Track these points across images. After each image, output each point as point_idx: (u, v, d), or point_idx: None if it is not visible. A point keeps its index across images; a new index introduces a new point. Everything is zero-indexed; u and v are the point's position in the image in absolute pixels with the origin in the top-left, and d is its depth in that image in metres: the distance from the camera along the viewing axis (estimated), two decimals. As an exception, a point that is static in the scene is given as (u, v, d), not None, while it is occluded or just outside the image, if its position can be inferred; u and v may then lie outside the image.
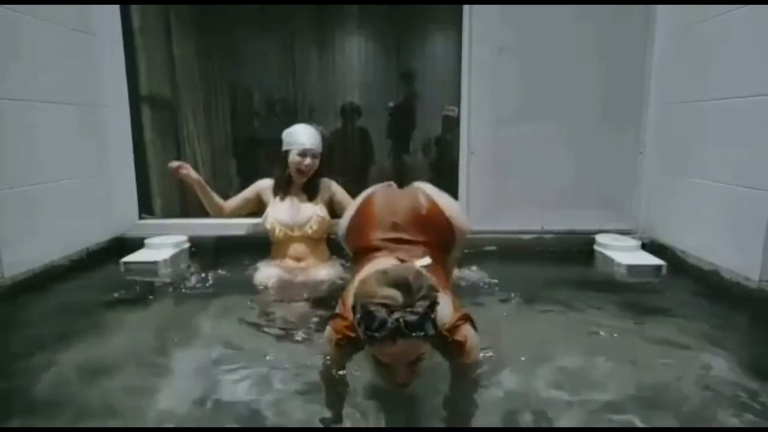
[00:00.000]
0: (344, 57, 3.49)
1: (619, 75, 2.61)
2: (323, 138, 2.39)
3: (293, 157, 2.31)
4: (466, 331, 1.28)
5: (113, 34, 2.67)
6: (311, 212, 2.35)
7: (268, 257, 2.42)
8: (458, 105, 2.74)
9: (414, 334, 1.05)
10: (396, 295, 1.06)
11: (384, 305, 1.05)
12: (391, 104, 3.40)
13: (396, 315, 1.04)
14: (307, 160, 2.31)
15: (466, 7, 2.61)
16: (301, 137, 2.31)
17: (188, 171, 2.34)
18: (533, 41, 2.60)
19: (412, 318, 1.04)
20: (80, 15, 2.49)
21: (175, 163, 2.35)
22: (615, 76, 2.61)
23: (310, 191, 2.40)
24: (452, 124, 2.91)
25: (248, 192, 2.47)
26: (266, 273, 2.26)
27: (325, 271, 2.26)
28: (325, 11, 3.33)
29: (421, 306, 1.06)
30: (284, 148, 2.34)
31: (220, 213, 2.44)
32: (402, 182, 2.01)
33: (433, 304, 1.09)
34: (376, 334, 1.05)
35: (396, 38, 3.45)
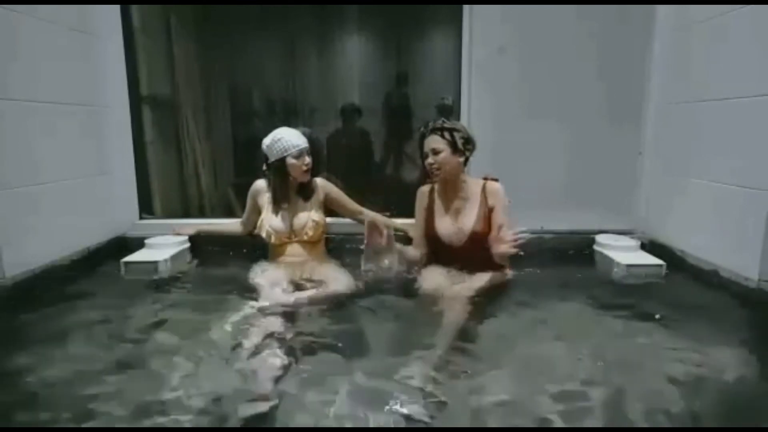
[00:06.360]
0: (344, 57, 3.50)
1: (619, 75, 2.61)
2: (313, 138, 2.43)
3: (292, 162, 2.26)
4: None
5: (113, 34, 2.67)
6: (306, 218, 2.33)
7: (267, 256, 2.42)
8: (458, 105, 2.74)
9: (437, 133, 2.05)
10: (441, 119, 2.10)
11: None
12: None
13: (433, 123, 2.08)
14: (307, 159, 2.29)
15: (466, 7, 2.62)
16: (293, 140, 2.26)
17: (186, 230, 2.66)
18: (533, 41, 2.60)
19: (440, 125, 2.05)
20: (80, 15, 2.49)
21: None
22: (615, 76, 2.61)
23: (306, 193, 2.38)
24: (447, 113, 2.91)
25: (249, 203, 2.47)
26: (266, 272, 2.26)
27: (323, 270, 2.26)
28: (325, 11, 3.34)
29: (449, 125, 2.06)
30: (276, 156, 2.26)
31: (242, 235, 2.56)
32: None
33: (455, 130, 2.07)
34: (423, 130, 2.10)
35: (396, 38, 3.45)
